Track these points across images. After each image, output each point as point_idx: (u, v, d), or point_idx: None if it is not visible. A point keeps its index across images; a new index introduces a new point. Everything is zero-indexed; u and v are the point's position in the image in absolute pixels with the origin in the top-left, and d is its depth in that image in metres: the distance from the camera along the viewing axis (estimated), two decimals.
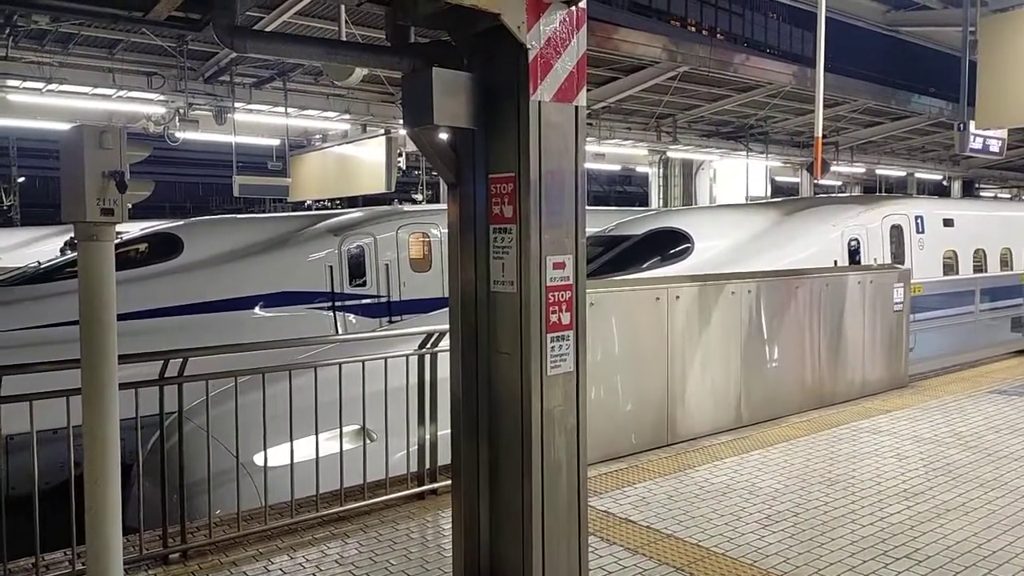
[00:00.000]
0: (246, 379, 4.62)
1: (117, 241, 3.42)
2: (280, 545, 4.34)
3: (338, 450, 4.68)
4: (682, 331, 6.22)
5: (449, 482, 3.92)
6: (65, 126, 3.77)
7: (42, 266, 10.02)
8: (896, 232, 10.88)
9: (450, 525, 3.87)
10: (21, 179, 29.70)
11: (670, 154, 19.25)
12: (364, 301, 10.34)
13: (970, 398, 7.83)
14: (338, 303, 10.09)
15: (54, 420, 3.77)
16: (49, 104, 11.47)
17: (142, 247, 9.84)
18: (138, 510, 4.06)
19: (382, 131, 13.61)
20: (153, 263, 9.50)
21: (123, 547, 3.27)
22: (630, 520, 4.69)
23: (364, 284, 10.39)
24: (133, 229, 11.18)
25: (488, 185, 3.46)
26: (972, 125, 10.84)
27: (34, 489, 3.75)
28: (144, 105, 12.18)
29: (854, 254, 10.14)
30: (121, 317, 3.18)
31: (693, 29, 31.16)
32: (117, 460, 3.11)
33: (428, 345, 5.03)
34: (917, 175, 26.69)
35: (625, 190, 40.04)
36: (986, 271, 12.10)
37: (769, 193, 20.60)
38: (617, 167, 23.49)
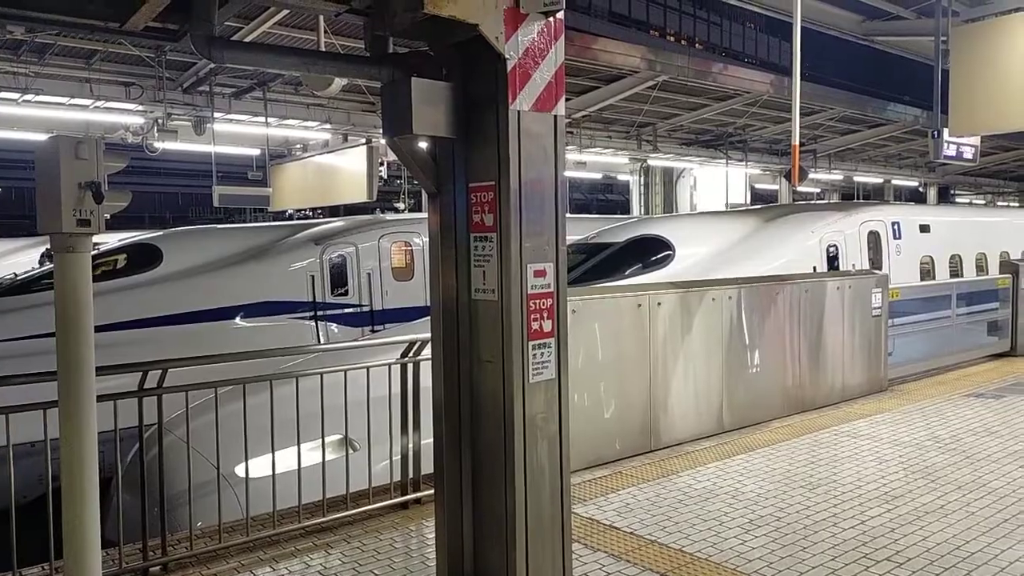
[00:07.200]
0: (227, 390, 4.59)
1: (94, 252, 3.39)
2: (262, 557, 4.30)
3: (320, 460, 4.65)
4: (664, 338, 6.25)
5: (433, 491, 3.91)
6: (42, 137, 3.75)
7: (19, 277, 9.90)
8: (874, 238, 11.02)
9: (434, 534, 3.86)
10: None
11: (651, 162, 19.38)
12: (346, 310, 10.31)
13: (948, 401, 7.92)
14: (320, 312, 10.05)
15: (31, 433, 3.72)
16: (25, 114, 11.36)
17: (120, 258, 9.76)
18: (117, 523, 4.01)
19: (363, 140, 13.59)
20: (132, 274, 9.42)
21: (102, 561, 3.23)
22: (614, 526, 4.70)
23: (346, 293, 10.36)
24: (111, 240, 11.08)
25: (468, 194, 3.47)
26: (946, 133, 11.03)
27: (11, 503, 3.70)
28: (122, 115, 12.08)
29: (833, 260, 10.25)
30: (99, 329, 3.15)
31: (672, 39, 31.41)
32: (95, 473, 3.08)
33: (410, 354, 5.02)
34: (894, 182, 27.07)
35: (607, 198, 40.29)
36: (962, 276, 12.27)
37: (749, 200, 20.79)
38: (598, 175, 23.57)
